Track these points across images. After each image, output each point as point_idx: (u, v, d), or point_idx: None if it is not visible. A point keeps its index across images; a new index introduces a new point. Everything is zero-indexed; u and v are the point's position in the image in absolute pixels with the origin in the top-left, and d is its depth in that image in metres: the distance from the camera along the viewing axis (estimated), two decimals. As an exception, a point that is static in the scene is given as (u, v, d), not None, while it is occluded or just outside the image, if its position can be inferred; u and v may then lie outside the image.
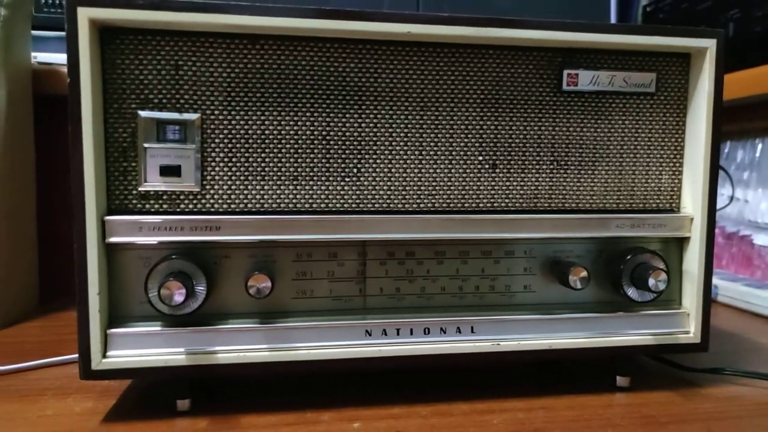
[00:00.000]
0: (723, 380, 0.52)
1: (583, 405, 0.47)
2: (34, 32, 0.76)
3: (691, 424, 0.44)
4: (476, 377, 0.52)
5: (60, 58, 0.82)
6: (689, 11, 0.90)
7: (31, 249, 0.75)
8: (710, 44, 0.48)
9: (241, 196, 0.44)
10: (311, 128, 0.45)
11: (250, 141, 0.44)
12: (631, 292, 0.48)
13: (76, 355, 0.52)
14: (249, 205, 0.45)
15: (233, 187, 0.44)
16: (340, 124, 0.45)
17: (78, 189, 0.41)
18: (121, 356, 0.43)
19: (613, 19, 1.05)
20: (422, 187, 0.47)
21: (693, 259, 0.50)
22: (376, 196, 0.46)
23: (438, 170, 0.47)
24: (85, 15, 0.40)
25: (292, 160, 0.45)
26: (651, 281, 0.46)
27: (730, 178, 0.86)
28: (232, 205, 0.44)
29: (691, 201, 0.50)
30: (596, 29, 0.47)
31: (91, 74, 0.41)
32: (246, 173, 0.44)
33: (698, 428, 0.44)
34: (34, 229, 0.76)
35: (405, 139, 0.46)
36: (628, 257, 0.48)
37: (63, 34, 0.86)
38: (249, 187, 0.44)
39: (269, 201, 0.45)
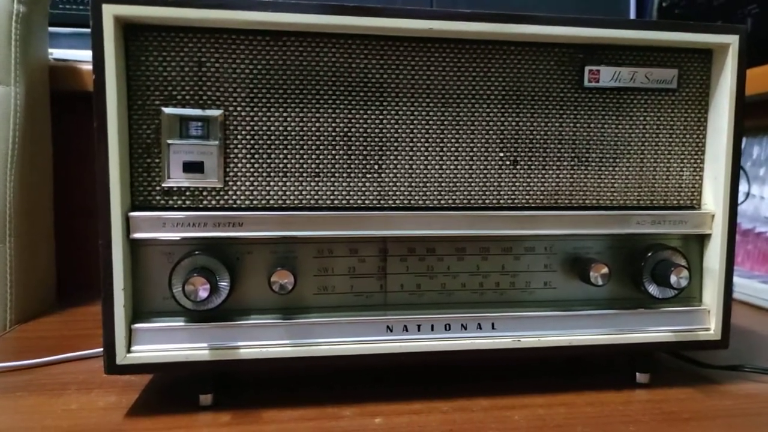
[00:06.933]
0: (742, 377, 0.52)
1: (603, 401, 0.47)
2: (50, 29, 0.76)
3: (713, 420, 0.44)
4: (497, 373, 0.53)
5: (76, 54, 0.82)
6: (706, 6, 0.89)
7: (49, 244, 0.76)
8: (732, 40, 0.48)
9: (264, 192, 0.45)
10: (333, 124, 0.45)
11: (273, 137, 0.44)
12: (652, 289, 0.48)
13: (98, 350, 0.52)
14: (271, 201, 0.45)
15: (255, 183, 0.44)
16: (361, 121, 0.45)
17: (103, 186, 0.41)
18: (145, 351, 0.43)
19: (632, 14, 1.04)
20: (443, 184, 0.47)
21: (714, 256, 0.49)
22: (397, 193, 0.46)
23: (459, 167, 0.47)
24: (109, 12, 0.40)
25: (314, 156, 0.45)
26: (673, 278, 0.46)
27: (746, 174, 0.86)
28: (255, 201, 0.45)
29: (713, 198, 0.50)
30: (618, 25, 0.47)
31: (116, 71, 0.41)
32: (268, 169, 0.45)
33: (720, 425, 0.44)
34: (51, 225, 0.76)
35: (426, 135, 0.46)
36: (649, 254, 0.48)
37: (79, 30, 0.86)
38: (271, 183, 0.45)
39: (291, 197, 0.45)
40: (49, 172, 0.76)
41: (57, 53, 0.82)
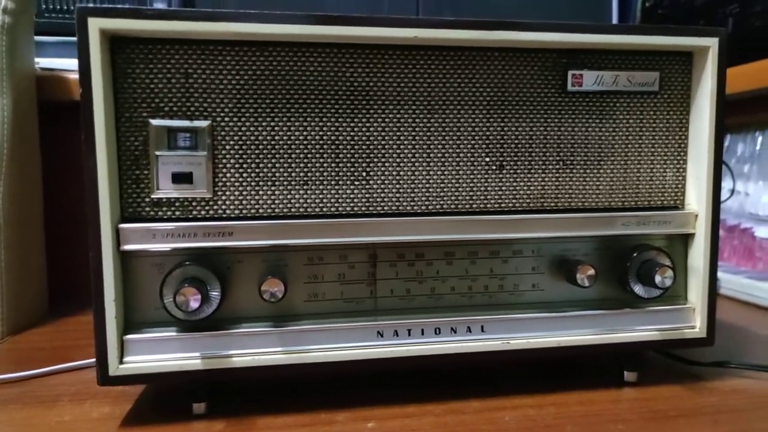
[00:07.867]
0: (728, 373, 0.53)
1: (592, 400, 0.48)
2: (36, 38, 0.76)
3: (700, 417, 0.45)
4: (487, 375, 0.53)
5: (62, 63, 0.82)
6: (688, 6, 0.91)
7: (40, 255, 0.76)
8: (712, 43, 0.49)
9: (253, 202, 0.45)
10: (320, 133, 0.45)
11: (261, 147, 0.45)
12: (638, 289, 0.49)
13: (91, 361, 0.53)
14: (260, 210, 0.45)
15: (244, 192, 0.45)
16: (348, 129, 0.46)
17: (92, 198, 0.41)
18: (138, 362, 0.44)
19: (614, 16, 1.05)
20: (431, 189, 0.47)
21: (698, 254, 0.50)
22: (386, 199, 0.47)
23: (446, 172, 0.47)
24: (95, 25, 0.40)
25: (302, 164, 0.45)
26: (657, 278, 0.47)
27: (731, 171, 0.87)
28: (244, 211, 0.45)
29: (696, 198, 0.50)
30: (600, 30, 0.47)
31: (103, 84, 0.41)
32: (257, 179, 0.45)
33: (706, 421, 0.44)
34: (41, 236, 0.76)
35: (413, 141, 0.47)
36: (634, 254, 0.49)
37: (65, 39, 0.86)
38: (260, 192, 0.45)
39: (280, 206, 0.45)
40: (39, 182, 0.76)
41: (43, 62, 0.81)
